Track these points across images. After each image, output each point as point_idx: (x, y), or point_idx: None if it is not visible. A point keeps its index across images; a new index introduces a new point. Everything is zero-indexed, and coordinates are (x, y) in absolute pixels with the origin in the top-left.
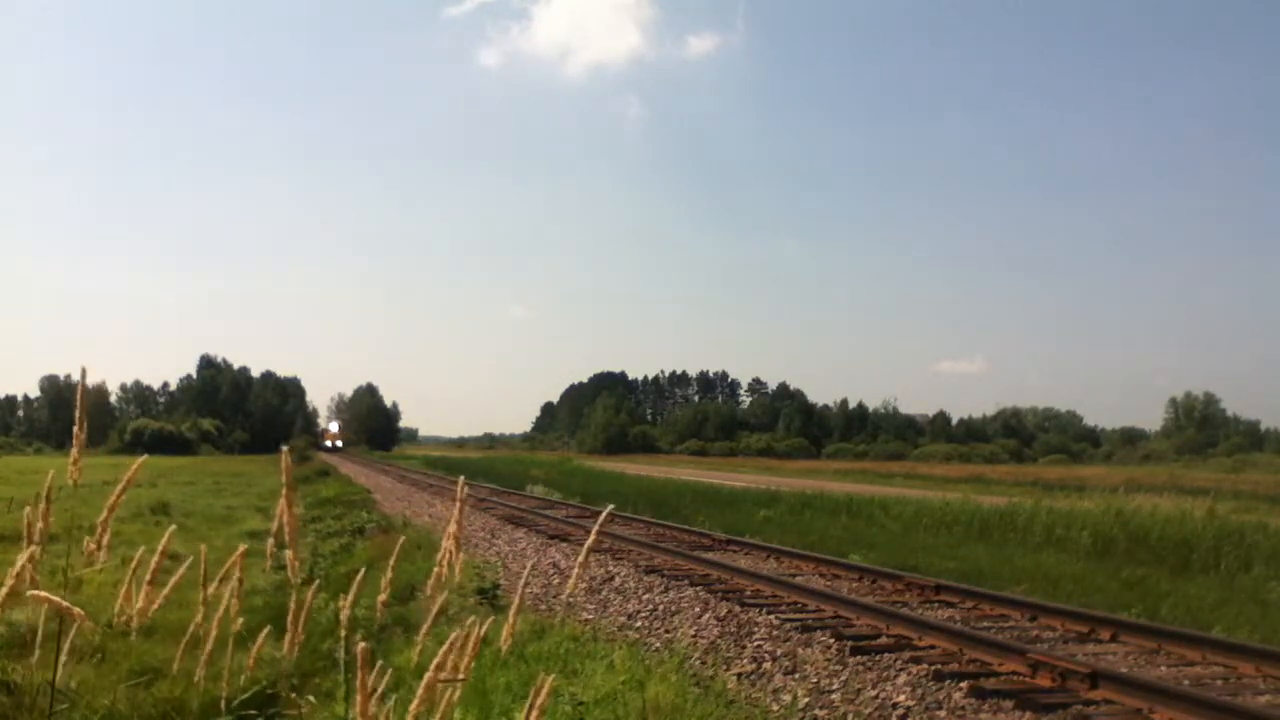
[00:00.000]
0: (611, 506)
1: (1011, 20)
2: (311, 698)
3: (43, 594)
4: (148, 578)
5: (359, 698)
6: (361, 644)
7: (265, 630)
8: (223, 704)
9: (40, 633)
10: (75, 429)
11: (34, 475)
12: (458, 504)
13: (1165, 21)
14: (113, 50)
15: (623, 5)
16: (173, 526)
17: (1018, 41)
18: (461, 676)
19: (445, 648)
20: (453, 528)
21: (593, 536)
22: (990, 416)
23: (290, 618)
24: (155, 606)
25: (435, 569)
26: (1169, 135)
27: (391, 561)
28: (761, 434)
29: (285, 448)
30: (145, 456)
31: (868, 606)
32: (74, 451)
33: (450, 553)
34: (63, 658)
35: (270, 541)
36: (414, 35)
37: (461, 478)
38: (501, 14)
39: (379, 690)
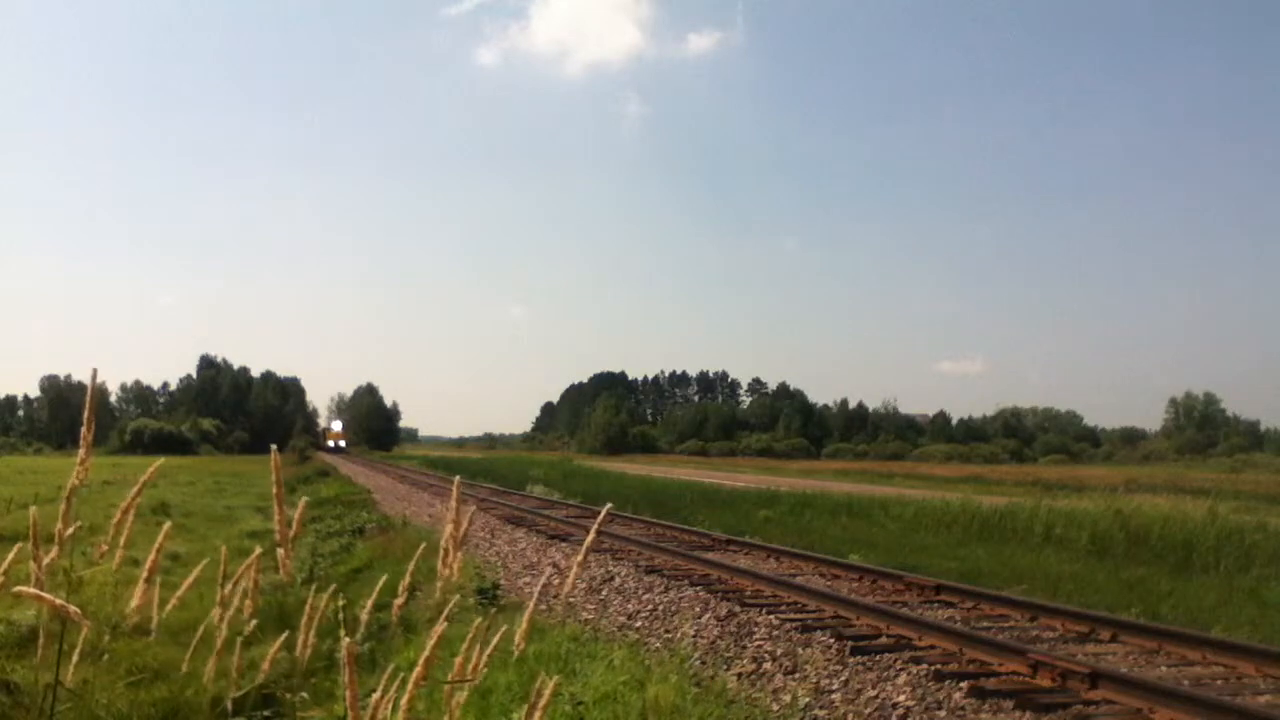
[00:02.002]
0: (610, 505)
1: (1012, 20)
2: (305, 695)
3: (30, 590)
4: (144, 576)
5: (348, 695)
6: (348, 641)
7: (284, 636)
8: (229, 704)
9: (42, 632)
10: (84, 430)
11: (34, 475)
12: (454, 504)
13: (1166, 21)
14: (112, 51)
15: (622, 4)
16: (168, 524)
17: (1018, 41)
18: (470, 678)
19: (433, 643)
20: (449, 528)
21: (592, 535)
22: (990, 416)
23: (305, 620)
24: (171, 606)
25: (441, 569)
26: (1170, 135)
27: (411, 566)
28: (761, 434)
29: (274, 446)
30: (162, 460)
31: (868, 606)
32: (81, 452)
33: (449, 553)
34: (73, 658)
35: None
36: (412, 35)
37: (457, 478)
38: (500, 13)
39: (390, 690)
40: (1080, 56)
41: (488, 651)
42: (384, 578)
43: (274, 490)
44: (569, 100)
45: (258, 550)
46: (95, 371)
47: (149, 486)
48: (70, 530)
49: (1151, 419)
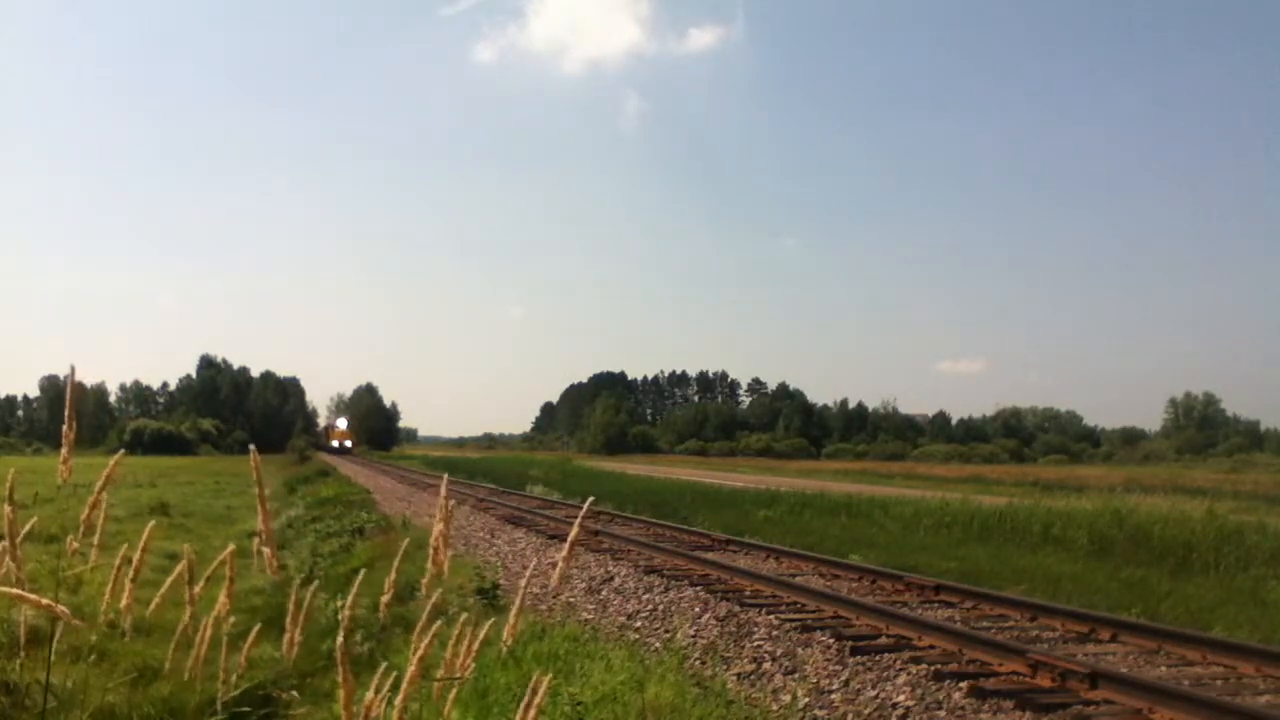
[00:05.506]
0: (592, 499)
1: (1013, 18)
2: (295, 694)
3: (14, 591)
4: (131, 575)
5: (342, 694)
6: (339, 641)
7: (255, 629)
8: (218, 704)
9: (23, 631)
10: (65, 428)
11: (33, 475)
12: (442, 501)
13: (1165, 21)
14: (111, 50)
15: (621, 1)
16: (152, 523)
17: (1019, 40)
18: (459, 675)
19: (427, 641)
20: (439, 526)
21: (575, 530)
22: (990, 416)
23: (290, 618)
24: (154, 606)
25: (430, 567)
26: (1170, 135)
27: (395, 563)
28: (761, 434)
29: (253, 446)
30: (122, 452)
31: (867, 606)
32: (64, 451)
33: (438, 551)
34: (51, 658)
35: (256, 540)
36: (411, 34)
37: (445, 475)
38: (498, 11)
39: (384, 690)
40: (1080, 56)
41: (470, 646)
42: (362, 574)
43: (256, 490)
44: (568, 98)
45: (231, 547)
46: (73, 368)
47: (149, 486)
48: (25, 529)
49: (1151, 419)
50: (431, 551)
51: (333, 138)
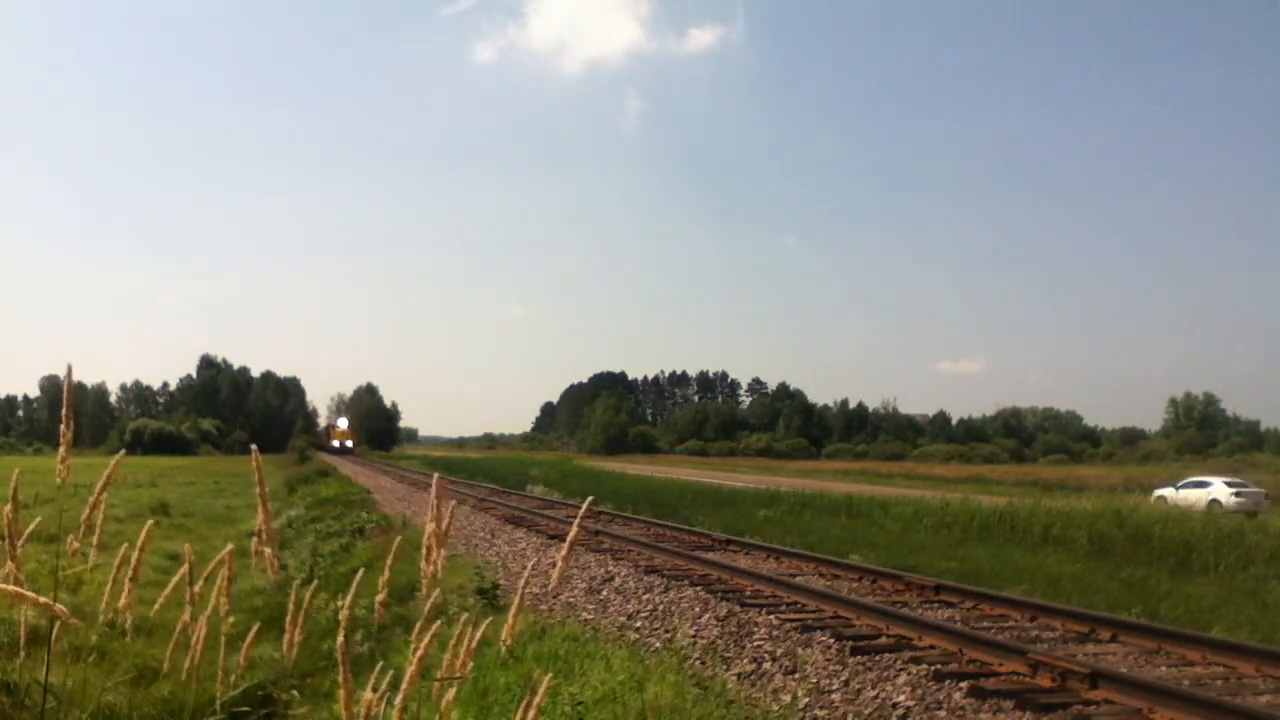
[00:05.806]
0: (591, 498)
1: (1013, 18)
2: (295, 693)
3: (12, 588)
4: (130, 575)
5: (342, 694)
6: (339, 641)
7: (254, 629)
8: (218, 704)
9: (23, 631)
10: (63, 427)
11: (33, 475)
12: (434, 499)
13: (1165, 21)
14: (112, 50)
15: (620, 1)
16: (151, 522)
17: (1019, 40)
18: (459, 675)
19: (426, 640)
20: (431, 525)
21: (575, 529)
22: (990, 416)
23: (289, 618)
24: (158, 607)
25: (425, 567)
26: (1169, 135)
27: (389, 562)
28: (761, 434)
29: (255, 446)
30: (122, 452)
31: (868, 606)
32: (61, 450)
33: (430, 550)
34: (48, 657)
35: (255, 540)
36: (411, 34)
37: (436, 474)
38: (498, 10)
39: (381, 689)
40: (1080, 56)
41: (470, 646)
42: (361, 574)
43: (258, 490)
44: (568, 98)
45: (229, 546)
46: (70, 368)
47: (149, 486)
48: (28, 530)
49: (1151, 419)
50: (424, 551)
51: (333, 138)
